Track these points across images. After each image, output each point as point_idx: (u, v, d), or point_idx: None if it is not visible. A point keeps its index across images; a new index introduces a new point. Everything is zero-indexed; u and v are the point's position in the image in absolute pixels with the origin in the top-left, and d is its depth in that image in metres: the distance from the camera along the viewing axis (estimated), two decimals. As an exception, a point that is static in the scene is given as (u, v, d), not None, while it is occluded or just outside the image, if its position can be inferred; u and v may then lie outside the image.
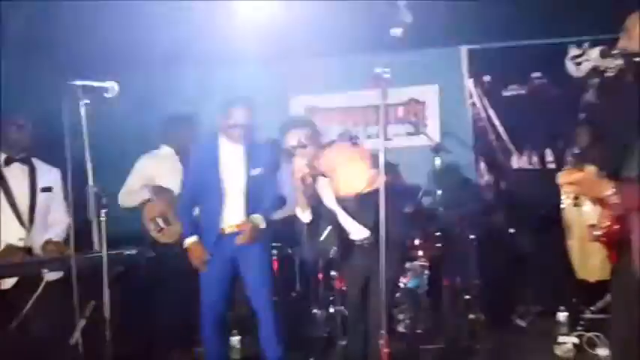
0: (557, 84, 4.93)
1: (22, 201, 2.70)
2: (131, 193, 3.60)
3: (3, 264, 2.46)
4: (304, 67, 5.20)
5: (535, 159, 5.09)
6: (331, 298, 3.99)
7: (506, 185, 5.04)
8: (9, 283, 2.52)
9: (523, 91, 5.08)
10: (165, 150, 3.71)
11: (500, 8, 3.82)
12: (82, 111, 2.12)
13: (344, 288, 3.65)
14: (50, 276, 2.40)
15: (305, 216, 2.64)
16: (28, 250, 2.68)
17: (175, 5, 3.52)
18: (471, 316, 3.82)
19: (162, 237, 3.57)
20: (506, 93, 5.12)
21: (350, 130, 5.01)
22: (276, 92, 5.25)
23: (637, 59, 1.78)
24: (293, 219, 4.53)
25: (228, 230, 2.92)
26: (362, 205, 2.55)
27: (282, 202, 3.32)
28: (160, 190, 3.54)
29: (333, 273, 3.94)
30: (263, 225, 2.93)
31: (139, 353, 3.38)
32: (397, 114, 5.25)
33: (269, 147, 3.07)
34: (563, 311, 3.59)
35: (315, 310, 4.06)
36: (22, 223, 2.68)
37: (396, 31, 4.07)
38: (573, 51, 4.94)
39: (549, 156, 5.03)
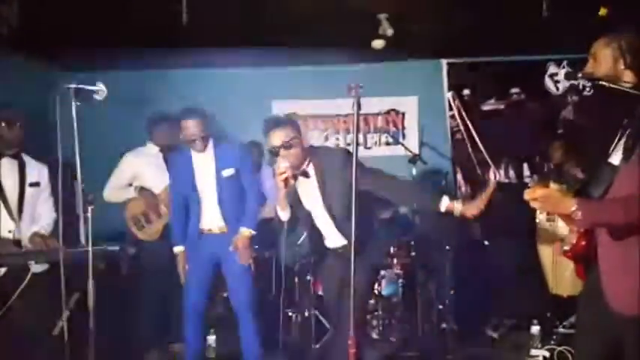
0: (536, 100, 5.06)
1: (12, 195, 2.76)
2: (116, 189, 3.67)
3: None
4: (287, 74, 5.25)
5: (512, 173, 5.20)
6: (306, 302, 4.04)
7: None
8: None
9: (502, 106, 5.20)
10: (151, 148, 3.74)
11: (481, 23, 3.91)
12: (74, 112, 2.19)
13: (320, 292, 3.70)
14: (36, 268, 2.46)
15: (284, 214, 2.62)
16: (17, 242, 2.73)
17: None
18: (444, 325, 3.86)
19: (143, 235, 3.62)
20: (485, 107, 5.23)
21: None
22: (259, 96, 5.29)
23: (602, 83, 1.84)
24: (270, 222, 4.63)
25: (207, 232, 3.03)
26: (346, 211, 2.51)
27: (262, 200, 3.35)
28: (142, 190, 3.57)
29: (308, 277, 3.99)
30: (253, 232, 3.03)
31: (121, 347, 3.41)
32: (376, 123, 5.32)
33: (240, 148, 3.18)
34: (535, 325, 3.67)
35: (290, 313, 4.10)
36: (11, 215, 2.74)
37: (377, 44, 4.18)
38: (552, 68, 5.08)
39: (526, 170, 5.15)
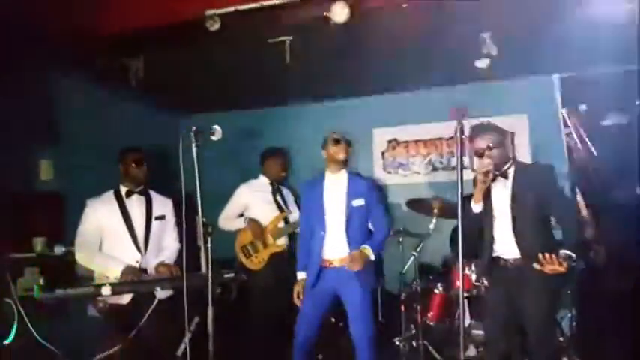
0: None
1: (139, 228, 3.04)
2: (229, 219, 3.90)
3: (123, 281, 2.80)
4: (386, 100, 5.28)
5: (639, 192, 4.71)
6: (413, 332, 3.94)
7: (607, 220, 4.69)
8: (126, 298, 2.84)
9: (624, 121, 4.76)
10: (261, 180, 3.94)
11: (596, 32, 3.64)
12: (194, 153, 2.42)
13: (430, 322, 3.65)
14: (161, 294, 2.69)
15: (477, 207, 2.89)
16: (144, 271, 3.00)
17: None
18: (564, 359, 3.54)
19: (250, 264, 3.77)
20: (604, 122, 4.82)
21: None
22: (360, 125, 5.38)
23: None
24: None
25: (330, 264, 3.06)
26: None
27: (388, 233, 3.36)
28: (251, 221, 3.76)
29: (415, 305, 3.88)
30: (372, 257, 3.05)
31: None
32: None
33: (370, 181, 3.24)
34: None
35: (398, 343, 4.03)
36: (137, 247, 3.02)
37: (482, 63, 4.05)
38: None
39: (654, 189, 4.63)
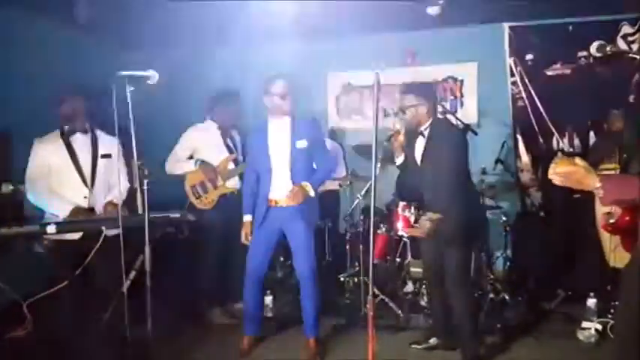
0: (606, 63, 4.75)
1: (86, 165, 3.10)
2: (177, 162, 3.91)
3: (69, 220, 2.89)
4: (342, 45, 5.28)
5: (577, 141, 4.98)
6: (357, 269, 4.20)
7: (544, 167, 4.96)
8: (76, 235, 2.93)
9: (568, 71, 4.94)
10: (209, 124, 3.94)
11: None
12: (128, 98, 2.41)
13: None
14: (109, 232, 2.74)
15: (398, 160, 3.21)
16: (91, 209, 3.08)
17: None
18: (491, 295, 3.86)
19: (200, 203, 3.87)
20: (549, 72, 4.99)
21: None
22: (314, 69, 5.37)
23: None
24: (332, 193, 4.79)
25: (276, 204, 3.17)
26: None
27: (330, 174, 3.48)
28: (203, 163, 3.80)
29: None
30: (312, 193, 3.15)
31: (186, 305, 3.81)
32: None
33: (312, 123, 3.28)
34: (592, 297, 3.58)
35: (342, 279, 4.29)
36: (85, 183, 3.08)
37: (433, 10, 4.10)
38: (626, 28, 4.74)
39: (592, 138, 4.89)
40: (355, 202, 4.24)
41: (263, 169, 3.19)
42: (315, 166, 3.23)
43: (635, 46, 4.83)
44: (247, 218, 3.28)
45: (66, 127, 3.09)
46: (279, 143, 3.15)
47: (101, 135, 3.19)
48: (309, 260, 3.17)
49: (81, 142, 3.11)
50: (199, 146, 3.88)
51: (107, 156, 3.13)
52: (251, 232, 3.25)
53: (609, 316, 3.45)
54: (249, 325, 3.35)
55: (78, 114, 3.07)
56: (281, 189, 3.15)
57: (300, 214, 3.12)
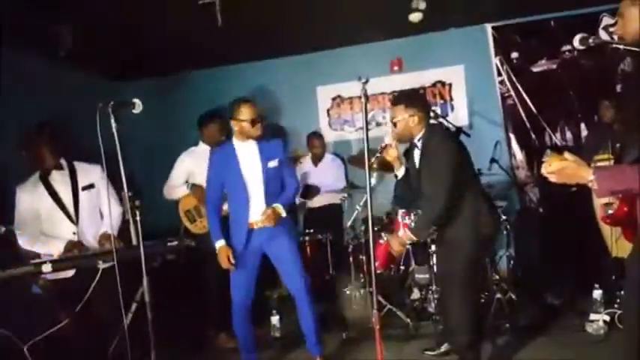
0: (590, 56, 4.77)
1: (68, 201, 3.03)
2: (173, 187, 3.89)
3: (64, 257, 2.79)
4: (328, 58, 5.30)
5: (569, 135, 4.98)
6: (362, 281, 4.16)
7: (538, 163, 4.96)
8: (70, 272, 2.86)
9: (554, 66, 4.96)
10: (202, 147, 3.92)
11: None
12: (113, 129, 2.37)
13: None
14: (104, 264, 2.68)
15: (398, 172, 3.08)
16: (80, 243, 2.99)
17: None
18: (498, 295, 3.82)
19: (195, 228, 3.83)
20: (535, 68, 5.01)
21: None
22: (303, 83, 5.38)
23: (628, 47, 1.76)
24: (326, 208, 4.78)
25: (256, 225, 3.09)
26: None
27: (297, 190, 3.43)
28: (194, 186, 3.78)
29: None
30: (283, 214, 3.09)
31: (192, 331, 3.79)
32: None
33: (277, 143, 3.20)
34: (597, 289, 3.55)
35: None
36: (71, 220, 3.02)
37: (415, 17, 4.12)
38: (607, 20, 4.77)
39: (584, 130, 4.90)
40: (355, 213, 4.22)
41: (237, 192, 3.08)
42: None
43: (616, 37, 4.88)
44: (221, 243, 3.07)
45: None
46: (251, 165, 3.09)
47: (80, 166, 3.12)
48: (299, 274, 3.10)
49: (59, 179, 3.05)
50: (193, 170, 3.85)
51: (90, 187, 3.09)
52: (233, 257, 3.06)
53: (616, 306, 3.42)
54: (246, 355, 3.24)
55: (45, 153, 3.01)
56: (256, 212, 3.08)
57: (280, 229, 3.08)
